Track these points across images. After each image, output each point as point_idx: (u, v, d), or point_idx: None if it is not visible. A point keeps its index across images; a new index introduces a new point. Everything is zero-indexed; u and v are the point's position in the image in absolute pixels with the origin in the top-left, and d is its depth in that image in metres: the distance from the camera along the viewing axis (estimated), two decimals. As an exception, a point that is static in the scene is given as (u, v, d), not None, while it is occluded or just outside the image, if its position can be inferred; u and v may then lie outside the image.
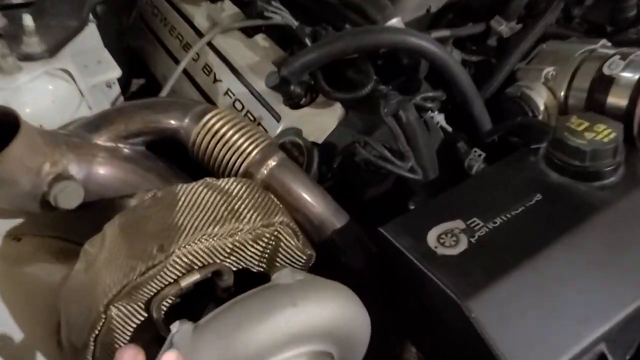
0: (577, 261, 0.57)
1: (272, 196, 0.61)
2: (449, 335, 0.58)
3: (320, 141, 0.77)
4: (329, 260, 0.67)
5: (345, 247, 0.67)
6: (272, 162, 0.64)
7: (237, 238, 0.55)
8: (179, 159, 0.73)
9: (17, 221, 0.72)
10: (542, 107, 0.76)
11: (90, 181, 0.65)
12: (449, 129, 0.79)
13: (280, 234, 0.58)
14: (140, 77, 1.23)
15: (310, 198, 0.65)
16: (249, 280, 0.58)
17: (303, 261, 0.61)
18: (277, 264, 0.59)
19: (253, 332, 0.48)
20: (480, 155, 0.71)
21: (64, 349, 0.60)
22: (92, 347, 0.55)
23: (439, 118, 0.79)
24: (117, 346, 0.54)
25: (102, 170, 0.66)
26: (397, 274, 0.62)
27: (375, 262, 0.68)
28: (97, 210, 0.68)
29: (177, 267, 0.52)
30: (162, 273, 0.51)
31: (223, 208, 0.55)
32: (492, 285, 0.54)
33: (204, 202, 0.55)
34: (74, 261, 0.60)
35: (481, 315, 0.52)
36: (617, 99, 0.70)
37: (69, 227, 0.74)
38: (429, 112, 0.77)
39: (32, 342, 0.65)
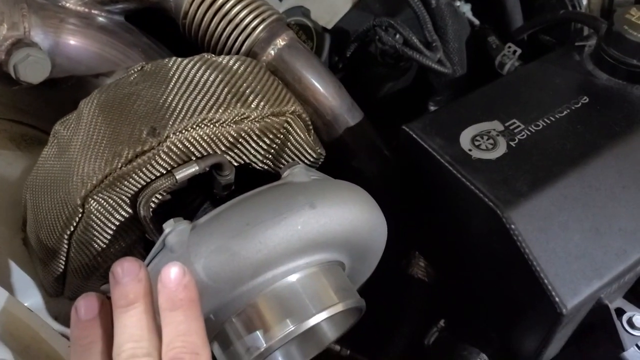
0: (627, 172, 0.50)
1: (282, 84, 0.52)
2: (478, 249, 0.52)
3: (330, 26, 0.66)
4: (338, 163, 0.59)
5: (359, 149, 0.59)
6: (281, 42, 0.54)
7: (242, 126, 0.45)
8: (165, 37, 0.61)
9: (-31, 100, 0.61)
10: (585, 2, 0.67)
11: (58, 53, 0.54)
12: (477, 22, 0.69)
13: (291, 125, 0.49)
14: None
15: (323, 88, 0.55)
16: (253, 179, 0.50)
17: (312, 160, 0.53)
18: (284, 161, 0.51)
19: (265, 235, 0.40)
20: (515, 52, 0.62)
21: (32, 248, 0.52)
22: (66, 247, 0.47)
23: (466, 9, 0.69)
24: (96, 246, 0.46)
25: (72, 41, 0.54)
26: (420, 178, 0.55)
27: (388, 168, 0.60)
28: (67, 90, 0.57)
29: (172, 155, 0.43)
30: (153, 162, 0.42)
31: (226, 90, 0.46)
32: (534, 195, 0.47)
33: (202, 80, 0.45)
34: (39, 149, 0.50)
35: (522, 227, 0.46)
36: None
37: (32, 110, 0.63)
38: (456, 0, 0.67)
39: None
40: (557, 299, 0.45)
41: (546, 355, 0.51)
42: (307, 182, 0.45)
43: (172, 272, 0.36)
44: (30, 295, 0.54)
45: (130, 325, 0.35)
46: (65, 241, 0.46)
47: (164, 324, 0.36)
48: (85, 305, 0.36)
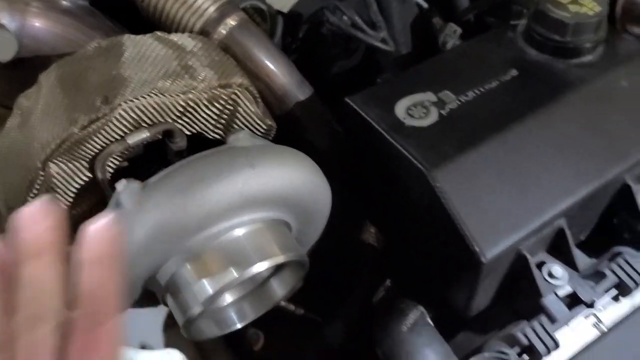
0: (547, 138, 0.55)
1: (231, 59, 0.56)
2: (413, 210, 0.57)
3: (285, 10, 0.70)
4: (291, 137, 0.63)
5: (309, 123, 0.63)
6: (231, 22, 0.58)
7: (190, 96, 0.50)
8: (127, 21, 0.65)
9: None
10: (524, -15, 0.71)
11: (24, 34, 0.58)
12: (425, 4, 0.73)
13: (239, 97, 0.53)
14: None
15: (273, 66, 0.60)
16: (203, 149, 0.54)
17: (263, 131, 0.57)
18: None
19: (208, 191, 0.45)
20: (455, 32, 0.67)
21: (3, 214, 0.56)
22: (31, 209, 0.51)
23: (414, -7, 0.74)
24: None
25: (38, 23, 0.58)
26: (362, 148, 0.59)
27: (339, 141, 0.65)
28: (32, 69, 0.61)
29: (124, 122, 0.47)
30: (106, 127, 0.47)
31: (175, 63, 0.50)
32: (459, 157, 0.52)
33: (153, 54, 0.50)
34: (2, 126, 0.54)
35: (446, 186, 0.50)
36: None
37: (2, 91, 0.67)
38: (404, -16, 0.71)
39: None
40: (477, 249, 0.49)
41: (475, 305, 0.56)
42: (250, 146, 0.49)
43: (96, 225, 0.31)
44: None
45: (36, 276, 0.30)
46: (30, 204, 0.50)
47: (78, 279, 0.31)
48: None
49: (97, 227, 0.31)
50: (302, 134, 0.64)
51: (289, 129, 0.62)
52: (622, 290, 0.57)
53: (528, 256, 0.53)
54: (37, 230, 0.30)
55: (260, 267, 0.47)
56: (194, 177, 0.45)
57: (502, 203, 0.52)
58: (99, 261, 0.31)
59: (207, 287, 0.47)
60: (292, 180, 0.49)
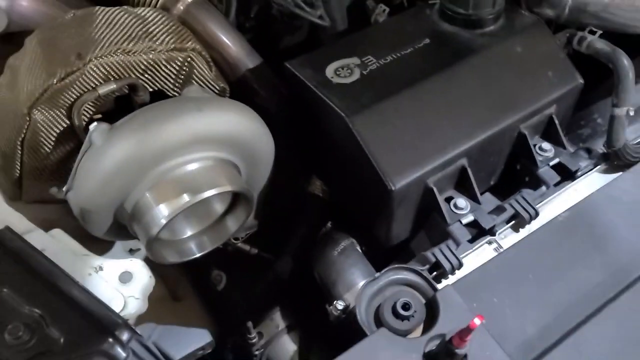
0: (451, 92, 0.66)
1: (187, 28, 0.67)
2: (340, 154, 0.67)
3: (240, -6, 0.81)
4: (243, 100, 0.74)
5: (259, 87, 0.74)
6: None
7: (150, 56, 0.60)
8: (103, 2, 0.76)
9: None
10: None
11: (13, 11, 0.68)
12: (363, -10, 0.85)
13: (193, 60, 0.64)
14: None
15: (225, 37, 0.71)
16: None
17: (216, 92, 0.68)
18: (191, 89, 0.66)
19: (161, 129, 0.56)
20: (384, 11, 0.78)
21: (-3, 161, 0.66)
22: (19, 151, 0.61)
23: (355, -20, 0.85)
24: (42, 150, 0.61)
25: (25, 2, 0.69)
26: (300, 104, 0.70)
27: (286, 103, 0.76)
28: (20, 42, 0.71)
29: (95, 75, 0.58)
30: (80, 79, 0.57)
31: (138, 29, 0.61)
32: (375, 106, 0.63)
33: (120, 22, 0.60)
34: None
35: (362, 129, 0.61)
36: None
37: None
38: (344, -28, 0.83)
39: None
40: (387, 179, 0.60)
41: (395, 234, 0.67)
42: (200, 96, 0.60)
43: None
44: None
45: None
46: (19, 147, 0.61)
47: None
48: None
49: None
50: (253, 97, 0.75)
51: (241, 93, 0.73)
52: (520, 221, 0.68)
53: (434, 189, 0.64)
54: None
55: (209, 193, 0.57)
56: (152, 118, 0.56)
57: (410, 144, 0.63)
58: None
59: (164, 210, 0.57)
60: (235, 124, 0.60)
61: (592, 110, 0.83)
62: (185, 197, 0.57)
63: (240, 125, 0.61)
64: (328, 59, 0.68)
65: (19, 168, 0.63)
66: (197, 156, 0.59)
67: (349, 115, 0.62)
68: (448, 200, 0.66)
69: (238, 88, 0.72)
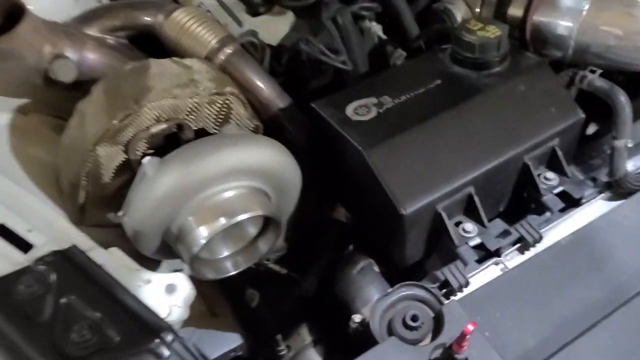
0: (459, 127, 0.74)
1: (227, 75, 0.77)
2: (358, 184, 0.75)
3: (275, 43, 0.92)
4: (275, 136, 0.83)
5: (288, 124, 0.84)
6: (228, 50, 0.80)
7: (195, 100, 0.71)
8: (156, 53, 0.88)
9: (25, 100, 0.88)
10: (459, 19, 0.91)
11: (82, 63, 0.81)
12: (384, 37, 0.94)
13: (231, 102, 0.74)
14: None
15: (259, 82, 0.81)
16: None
17: (251, 129, 0.78)
18: (229, 127, 0.76)
19: (202, 162, 0.65)
20: (401, 55, 0.87)
21: (63, 192, 0.77)
22: (84, 182, 0.72)
23: (377, 28, 0.95)
24: (103, 180, 0.71)
25: (92, 55, 0.81)
26: (324, 140, 0.79)
27: (312, 139, 0.85)
28: (85, 92, 0.84)
29: (148, 116, 0.68)
30: (136, 120, 0.68)
31: (185, 77, 0.72)
32: (388, 140, 0.71)
33: (170, 71, 0.71)
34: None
35: (377, 160, 0.69)
36: (515, 10, 0.86)
37: (65, 108, 0.90)
38: (367, 21, 0.92)
39: (41, 195, 0.82)
40: (399, 205, 0.68)
41: (409, 255, 0.74)
42: (236, 133, 0.70)
43: None
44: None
45: None
46: (84, 177, 0.71)
47: None
48: None
49: None
50: (284, 133, 0.84)
51: (273, 130, 0.83)
52: (525, 244, 0.74)
53: (443, 214, 0.71)
54: None
55: (242, 217, 0.66)
56: (195, 153, 0.66)
57: (421, 173, 0.70)
58: None
59: (204, 231, 0.66)
60: (266, 157, 0.69)
61: (602, 142, 0.89)
62: (222, 220, 0.66)
63: (271, 158, 0.70)
64: (349, 99, 0.77)
65: (83, 196, 0.73)
66: (233, 185, 0.68)
67: (365, 149, 0.70)
68: (457, 224, 0.73)
69: (270, 125, 0.82)
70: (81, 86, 0.83)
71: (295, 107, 0.83)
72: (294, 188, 0.76)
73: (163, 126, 0.70)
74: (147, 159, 0.67)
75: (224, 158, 0.66)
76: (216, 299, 0.92)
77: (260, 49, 0.88)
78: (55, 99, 0.91)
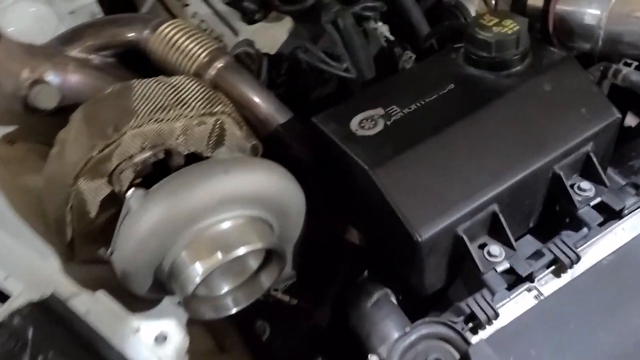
0: (477, 137, 0.65)
1: (219, 92, 0.71)
2: (366, 205, 0.68)
3: (273, 52, 0.85)
4: (276, 154, 0.76)
5: (290, 140, 0.76)
6: (219, 64, 0.73)
7: (183, 122, 0.64)
8: (145, 71, 0.82)
9: (11, 128, 0.83)
10: (473, 13, 0.83)
11: (65, 87, 0.75)
12: (392, 38, 0.86)
13: (223, 122, 0.67)
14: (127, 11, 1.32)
15: (255, 96, 0.74)
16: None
17: (248, 150, 0.71)
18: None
19: (190, 193, 0.59)
20: (411, 57, 0.79)
21: (50, 225, 0.72)
22: (69, 218, 0.66)
23: (383, 29, 0.87)
24: (89, 216, 0.65)
25: (75, 78, 0.75)
26: (328, 158, 0.72)
27: (315, 152, 0.77)
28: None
29: (130, 144, 0.62)
30: (117, 150, 0.62)
31: (171, 98, 0.65)
32: (398, 156, 0.63)
33: (154, 93, 0.65)
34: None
35: (386, 181, 0.62)
36: (535, 0, 0.77)
37: (52, 133, 0.85)
38: (371, 22, 0.85)
39: (27, 224, 0.77)
40: (413, 231, 0.60)
41: (429, 284, 0.66)
42: (227, 158, 0.63)
43: None
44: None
45: None
46: (68, 213, 0.65)
47: None
48: None
49: None
50: (285, 150, 0.77)
51: (273, 147, 0.76)
52: (561, 266, 0.65)
53: (465, 237, 0.63)
54: None
55: (240, 251, 0.60)
56: (183, 182, 0.59)
57: (436, 193, 0.62)
58: None
59: (199, 268, 0.59)
60: (261, 182, 0.62)
61: (644, 140, 0.80)
62: (219, 256, 0.59)
63: (267, 183, 0.63)
64: (353, 111, 0.69)
65: (70, 232, 0.68)
66: (227, 215, 0.61)
67: (372, 168, 0.62)
68: (481, 246, 0.65)
69: (270, 142, 0.75)
70: (66, 111, 0.77)
71: (296, 121, 0.76)
72: (298, 212, 0.69)
73: (147, 154, 0.63)
74: (131, 191, 0.61)
75: (214, 187, 0.59)
76: (225, 332, 0.86)
77: (256, 59, 0.81)
78: (42, 126, 0.85)
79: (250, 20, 0.88)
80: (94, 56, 0.78)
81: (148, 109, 0.63)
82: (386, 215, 0.63)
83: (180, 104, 0.65)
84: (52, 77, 0.74)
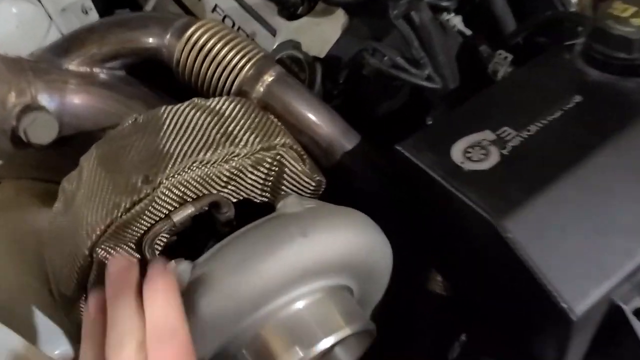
0: (626, 167, 0.49)
1: (272, 116, 0.54)
2: (482, 261, 0.52)
3: (322, 55, 0.67)
4: (341, 187, 0.60)
5: (359, 170, 0.60)
6: (268, 78, 0.56)
7: (233, 164, 0.47)
8: (165, 85, 0.65)
9: (-6, 165, 0.65)
10: (574, 1, 0.66)
11: (65, 112, 0.57)
12: (468, 32, 0.69)
13: (283, 157, 0.50)
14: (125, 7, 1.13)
15: (315, 117, 0.57)
16: (253, 212, 0.51)
17: (312, 188, 0.54)
18: (283, 192, 0.52)
19: (259, 270, 0.42)
20: (506, 58, 0.62)
21: (57, 299, 0.55)
22: (83, 297, 0.49)
23: (456, 21, 0.69)
24: (110, 292, 0.49)
25: (77, 100, 0.58)
26: (418, 196, 0.55)
27: (392, 185, 0.61)
28: (77, 146, 0.60)
29: (167, 200, 0.45)
30: (150, 208, 0.45)
31: (215, 131, 0.48)
32: (529, 201, 0.47)
33: (192, 124, 0.48)
34: (60, 203, 0.53)
35: (519, 235, 0.45)
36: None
37: (50, 167, 0.67)
38: (444, 13, 0.68)
39: (24, 294, 0.60)
40: (565, 306, 0.44)
41: (566, 362, 0.50)
42: (300, 211, 0.46)
43: (154, 266, 0.42)
44: (59, 344, 0.56)
45: (118, 307, 0.39)
46: (82, 292, 0.49)
47: (145, 307, 0.39)
48: (93, 303, 0.42)
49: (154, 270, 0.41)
50: (353, 182, 0.61)
51: (338, 179, 0.59)
52: None
53: (624, 306, 0.47)
54: (119, 275, 0.42)
55: (327, 343, 0.43)
56: (245, 254, 0.42)
57: (585, 249, 0.46)
58: (160, 292, 0.40)
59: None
60: (348, 244, 0.46)
61: None
62: (298, 353, 0.43)
63: (355, 243, 0.46)
64: (452, 136, 0.52)
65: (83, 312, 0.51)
66: (303, 291, 0.45)
67: (498, 219, 0.46)
68: (637, 312, 0.49)
69: (334, 173, 0.59)
70: (67, 142, 0.60)
71: (365, 144, 0.59)
72: (384, 272, 0.53)
73: (190, 210, 0.46)
74: (172, 266, 0.44)
75: (289, 258, 0.42)
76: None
77: (306, 66, 0.64)
78: (34, 159, 0.68)
79: (290, 15, 0.70)
80: (99, 70, 0.60)
81: (187, 148, 0.46)
82: (516, 279, 0.47)
83: (229, 139, 0.48)
84: (47, 101, 0.56)
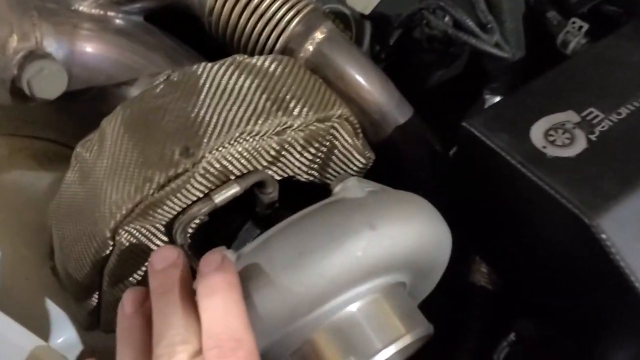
0: None
1: (327, 85, 0.46)
2: (555, 257, 0.46)
3: (368, 11, 0.59)
4: (388, 165, 0.53)
5: (410, 148, 0.53)
6: (319, 35, 0.47)
7: (285, 137, 0.40)
8: (189, 38, 0.56)
9: (-14, 118, 0.57)
10: (655, -35, 0.59)
11: (75, 62, 0.49)
12: (531, -4, 0.62)
13: (338, 131, 0.43)
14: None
15: (369, 84, 0.49)
16: (294, 193, 0.44)
17: (361, 166, 0.47)
18: (331, 169, 0.45)
19: (320, 266, 0.35)
20: (580, 28, 0.55)
21: (61, 279, 0.48)
22: (97, 281, 0.42)
23: (517, -18, 0.62)
24: (131, 279, 0.42)
25: (90, 48, 0.49)
26: (484, 180, 0.49)
27: (441, 170, 0.54)
28: (88, 102, 0.52)
29: (209, 176, 0.38)
30: (188, 185, 0.37)
31: (264, 97, 0.40)
32: (626, 196, 0.41)
33: (237, 88, 0.40)
34: (63, 166, 0.46)
35: (615, 236, 0.39)
36: None
37: (52, 125, 0.59)
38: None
39: (20, 270, 0.52)
40: (661, 319, 0.39)
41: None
42: (363, 197, 0.39)
43: (209, 259, 0.34)
44: (63, 330, 0.49)
45: (168, 312, 0.33)
46: (97, 276, 0.41)
47: (201, 311, 0.33)
48: (130, 300, 0.35)
49: (211, 262, 0.34)
50: (401, 161, 0.54)
51: (386, 156, 0.52)
52: None
53: None
54: (168, 270, 0.34)
55: (386, 354, 0.37)
56: (303, 246, 0.35)
57: (685, 254, 0.40)
58: (219, 291, 0.33)
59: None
60: (418, 238, 0.39)
61: None
62: (353, 364, 0.37)
63: (426, 237, 0.40)
64: (529, 114, 0.46)
65: (96, 299, 0.44)
66: (362, 291, 0.38)
67: (591, 215, 0.40)
68: None
69: (383, 149, 0.52)
70: (76, 97, 0.51)
71: (419, 122, 0.52)
72: (442, 266, 0.46)
73: (235, 190, 0.39)
74: (232, 257, 0.37)
75: (356, 255, 0.36)
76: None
77: (354, 25, 0.55)
78: (35, 112, 0.59)
79: (331, -37, 0.61)
80: (114, 13, 0.51)
81: (234, 116, 0.38)
82: (604, 284, 0.41)
83: (281, 107, 0.40)
84: (54, 47, 0.48)
